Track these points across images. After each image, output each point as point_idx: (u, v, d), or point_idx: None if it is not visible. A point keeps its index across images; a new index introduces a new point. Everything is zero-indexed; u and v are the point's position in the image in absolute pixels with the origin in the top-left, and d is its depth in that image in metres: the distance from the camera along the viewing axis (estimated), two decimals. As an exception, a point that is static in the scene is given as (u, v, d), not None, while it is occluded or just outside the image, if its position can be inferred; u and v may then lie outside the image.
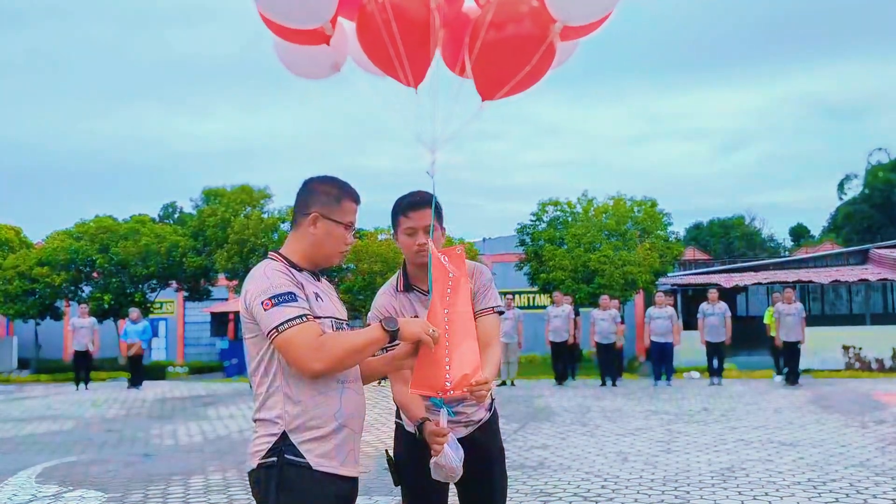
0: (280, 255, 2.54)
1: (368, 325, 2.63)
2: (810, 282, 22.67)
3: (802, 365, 15.48)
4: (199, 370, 26.09)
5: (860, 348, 18.67)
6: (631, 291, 21.82)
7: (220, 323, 26.82)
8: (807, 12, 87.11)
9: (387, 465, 3.01)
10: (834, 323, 23.92)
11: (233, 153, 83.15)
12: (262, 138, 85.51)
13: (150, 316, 23.95)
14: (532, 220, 23.55)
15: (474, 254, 23.97)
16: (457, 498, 3.17)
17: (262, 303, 2.35)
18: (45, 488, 6.94)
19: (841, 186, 44.80)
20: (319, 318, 2.42)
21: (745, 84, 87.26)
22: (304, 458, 2.36)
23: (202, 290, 24.37)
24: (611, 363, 15.87)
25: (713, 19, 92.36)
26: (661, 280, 22.63)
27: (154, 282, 23.58)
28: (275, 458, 2.37)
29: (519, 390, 15.12)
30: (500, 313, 3.08)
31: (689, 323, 19.33)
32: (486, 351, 2.79)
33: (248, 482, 2.48)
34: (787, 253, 44.13)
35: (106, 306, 22.36)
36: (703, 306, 15.75)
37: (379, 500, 6.10)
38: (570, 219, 23.19)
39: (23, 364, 26.18)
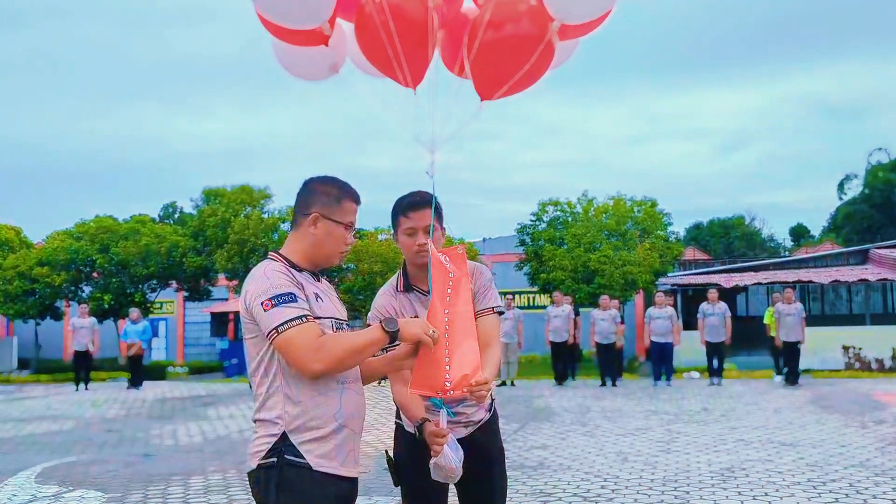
0: (280, 255, 2.54)
1: (368, 325, 2.63)
2: (810, 282, 22.68)
3: (802, 365, 15.48)
4: (199, 370, 26.09)
5: (860, 348, 18.68)
6: (631, 291, 21.82)
7: (220, 323, 26.83)
8: (807, 12, 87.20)
9: (387, 466, 3.01)
10: (834, 323, 23.92)
11: (233, 153, 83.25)
12: (262, 138, 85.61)
13: (150, 316, 23.95)
14: (532, 220, 23.56)
15: (474, 254, 23.96)
16: (457, 498, 3.17)
17: (262, 303, 2.35)
18: (45, 488, 6.94)
19: (841, 186, 44.83)
20: (319, 318, 2.42)
21: (745, 84, 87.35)
22: (304, 458, 2.36)
23: (202, 290, 24.36)
24: (611, 363, 15.87)
25: (713, 19, 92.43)
26: (661, 280, 22.63)
27: (154, 282, 23.58)
28: (275, 459, 2.37)
29: (519, 390, 15.12)
30: (500, 313, 3.08)
31: (689, 323, 19.33)
32: (486, 351, 2.79)
33: (248, 482, 2.48)
34: (787, 253, 44.11)
35: (106, 306, 22.37)
36: (703, 306, 15.75)
37: (379, 501, 6.10)
38: (570, 219, 23.19)
39: (23, 364, 26.18)
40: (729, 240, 48.37)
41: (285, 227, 21.42)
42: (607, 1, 3.01)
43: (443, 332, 2.53)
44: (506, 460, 3.25)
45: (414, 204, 3.00)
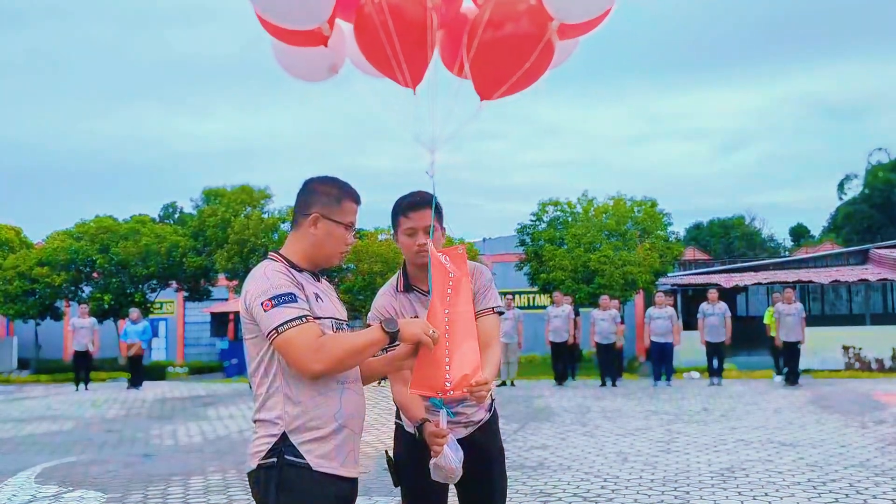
0: (280, 255, 2.54)
1: (368, 325, 2.63)
2: (810, 282, 22.68)
3: (802, 365, 15.48)
4: (199, 370, 26.10)
5: (860, 348, 18.68)
6: (631, 291, 21.82)
7: (220, 323, 26.83)
8: (807, 12, 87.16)
9: (387, 466, 3.01)
10: (834, 323, 23.93)
11: (233, 153, 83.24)
12: (262, 138, 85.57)
13: (150, 316, 23.94)
14: (532, 221, 23.56)
15: (474, 254, 23.97)
16: (457, 498, 3.17)
17: (262, 303, 2.35)
18: (44, 489, 6.94)
19: (841, 186, 44.83)
20: (319, 318, 2.42)
21: (745, 84, 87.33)
22: (304, 458, 2.36)
23: (202, 290, 24.37)
24: (611, 363, 15.87)
25: (713, 19, 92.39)
26: (661, 280, 22.63)
27: (154, 282, 23.58)
28: (275, 459, 2.37)
29: (519, 390, 15.11)
30: (500, 314, 3.08)
31: (689, 323, 19.33)
32: (486, 351, 2.78)
33: (247, 483, 2.48)
34: (787, 253, 44.11)
35: (106, 306, 22.37)
36: (703, 306, 15.75)
37: (379, 501, 6.10)
38: (570, 219, 23.19)
39: (23, 364, 26.18)
40: (729, 240, 48.37)
41: (285, 227, 21.42)
42: (606, 0, 3.01)
43: (443, 332, 2.53)
44: (506, 460, 3.25)
45: (414, 204, 3.00)
